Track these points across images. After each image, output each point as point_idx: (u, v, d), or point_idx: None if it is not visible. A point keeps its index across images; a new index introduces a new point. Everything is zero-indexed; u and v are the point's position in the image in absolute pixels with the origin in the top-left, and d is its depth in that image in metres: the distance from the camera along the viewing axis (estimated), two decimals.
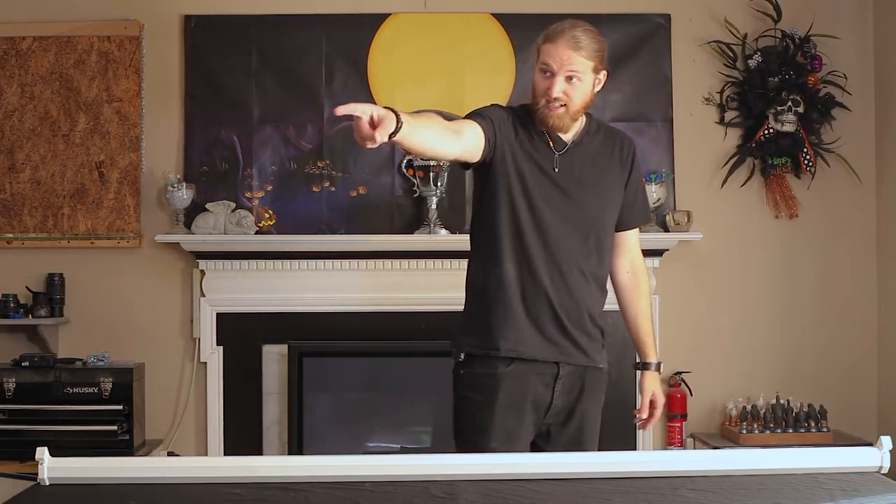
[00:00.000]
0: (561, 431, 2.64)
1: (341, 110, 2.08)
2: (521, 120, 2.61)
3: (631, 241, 2.78)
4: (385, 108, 2.15)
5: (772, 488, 1.93)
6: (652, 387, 2.77)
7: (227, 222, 4.37)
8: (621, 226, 2.73)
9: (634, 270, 2.79)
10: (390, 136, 2.14)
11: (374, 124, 2.12)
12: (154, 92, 4.49)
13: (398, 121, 2.15)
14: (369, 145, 2.13)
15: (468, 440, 2.57)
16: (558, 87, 2.52)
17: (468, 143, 2.47)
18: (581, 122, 2.64)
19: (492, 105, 2.64)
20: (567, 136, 2.62)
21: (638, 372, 2.81)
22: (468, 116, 2.56)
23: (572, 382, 2.62)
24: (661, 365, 2.83)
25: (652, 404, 2.76)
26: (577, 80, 2.53)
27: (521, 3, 4.50)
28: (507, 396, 2.56)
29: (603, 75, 2.60)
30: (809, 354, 4.59)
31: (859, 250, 4.62)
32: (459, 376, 2.64)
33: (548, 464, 2.06)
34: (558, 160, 2.60)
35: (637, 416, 2.79)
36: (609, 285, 2.76)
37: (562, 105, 2.54)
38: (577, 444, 2.62)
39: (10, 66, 4.45)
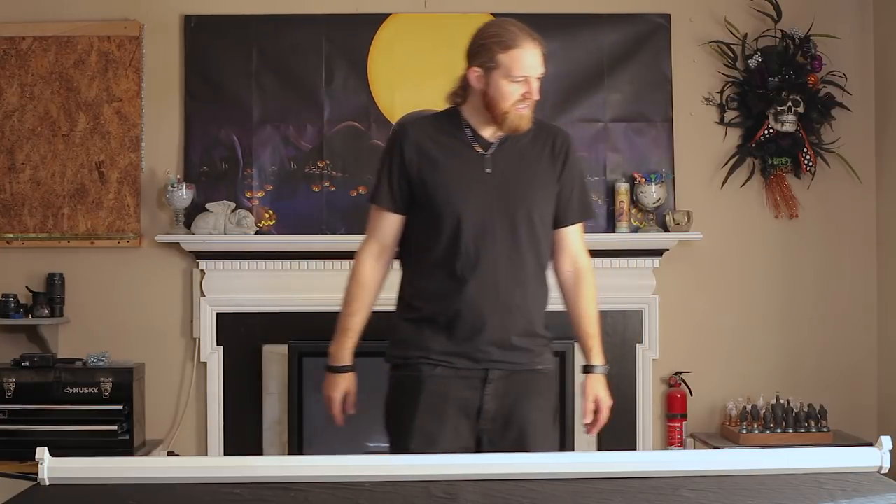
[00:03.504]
0: (502, 438, 2.56)
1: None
2: (435, 129, 2.59)
3: (570, 239, 2.66)
4: (329, 368, 2.78)
5: (772, 488, 1.93)
6: (595, 390, 2.63)
7: (227, 222, 4.37)
8: (558, 222, 2.64)
9: (577, 269, 2.66)
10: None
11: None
12: (154, 92, 4.49)
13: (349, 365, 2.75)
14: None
15: (392, 441, 2.64)
16: (537, 89, 2.53)
17: (389, 243, 2.66)
18: None
19: (382, 159, 2.63)
20: (490, 136, 2.58)
21: (583, 375, 2.69)
22: (372, 199, 2.64)
23: (506, 387, 2.55)
24: (608, 368, 2.68)
25: (596, 408, 2.64)
26: (542, 78, 2.55)
27: (521, 3, 4.49)
28: (428, 399, 2.55)
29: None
30: (809, 354, 4.59)
31: (859, 250, 4.62)
32: (389, 378, 2.70)
33: (548, 464, 2.07)
34: (488, 160, 2.56)
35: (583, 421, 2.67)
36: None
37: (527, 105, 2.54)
38: (520, 451, 2.51)
39: (10, 66, 4.45)
